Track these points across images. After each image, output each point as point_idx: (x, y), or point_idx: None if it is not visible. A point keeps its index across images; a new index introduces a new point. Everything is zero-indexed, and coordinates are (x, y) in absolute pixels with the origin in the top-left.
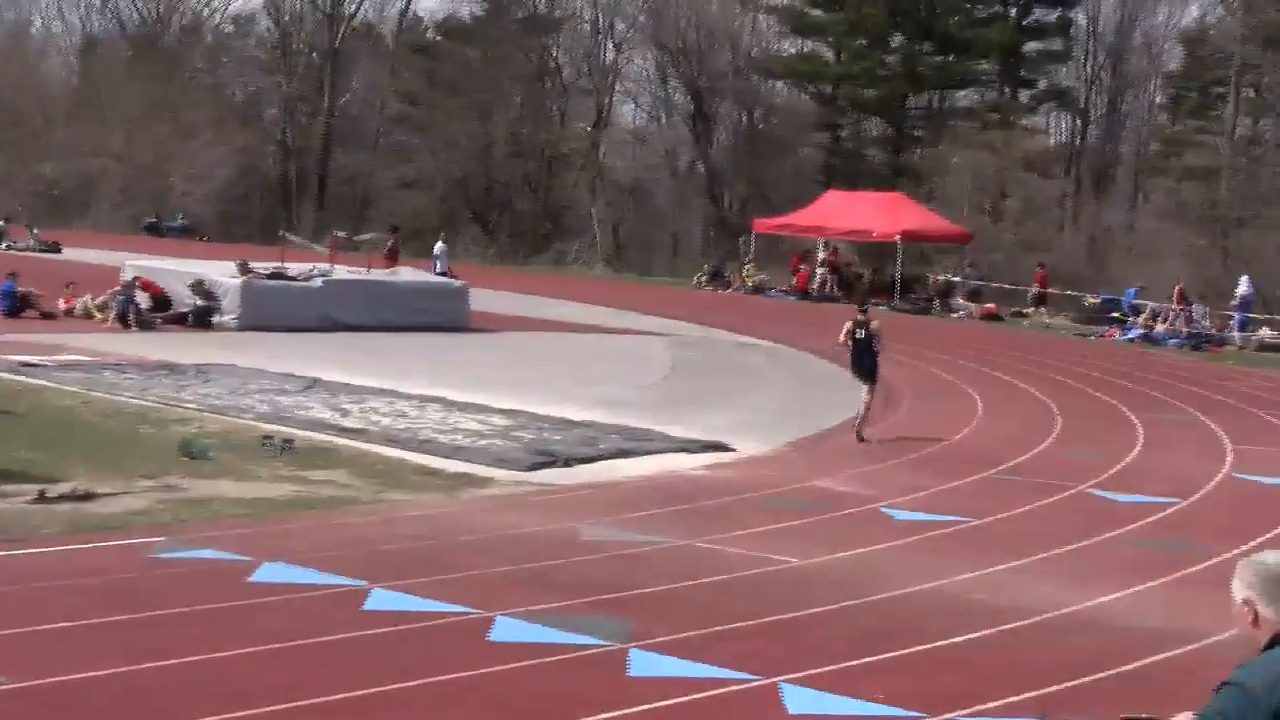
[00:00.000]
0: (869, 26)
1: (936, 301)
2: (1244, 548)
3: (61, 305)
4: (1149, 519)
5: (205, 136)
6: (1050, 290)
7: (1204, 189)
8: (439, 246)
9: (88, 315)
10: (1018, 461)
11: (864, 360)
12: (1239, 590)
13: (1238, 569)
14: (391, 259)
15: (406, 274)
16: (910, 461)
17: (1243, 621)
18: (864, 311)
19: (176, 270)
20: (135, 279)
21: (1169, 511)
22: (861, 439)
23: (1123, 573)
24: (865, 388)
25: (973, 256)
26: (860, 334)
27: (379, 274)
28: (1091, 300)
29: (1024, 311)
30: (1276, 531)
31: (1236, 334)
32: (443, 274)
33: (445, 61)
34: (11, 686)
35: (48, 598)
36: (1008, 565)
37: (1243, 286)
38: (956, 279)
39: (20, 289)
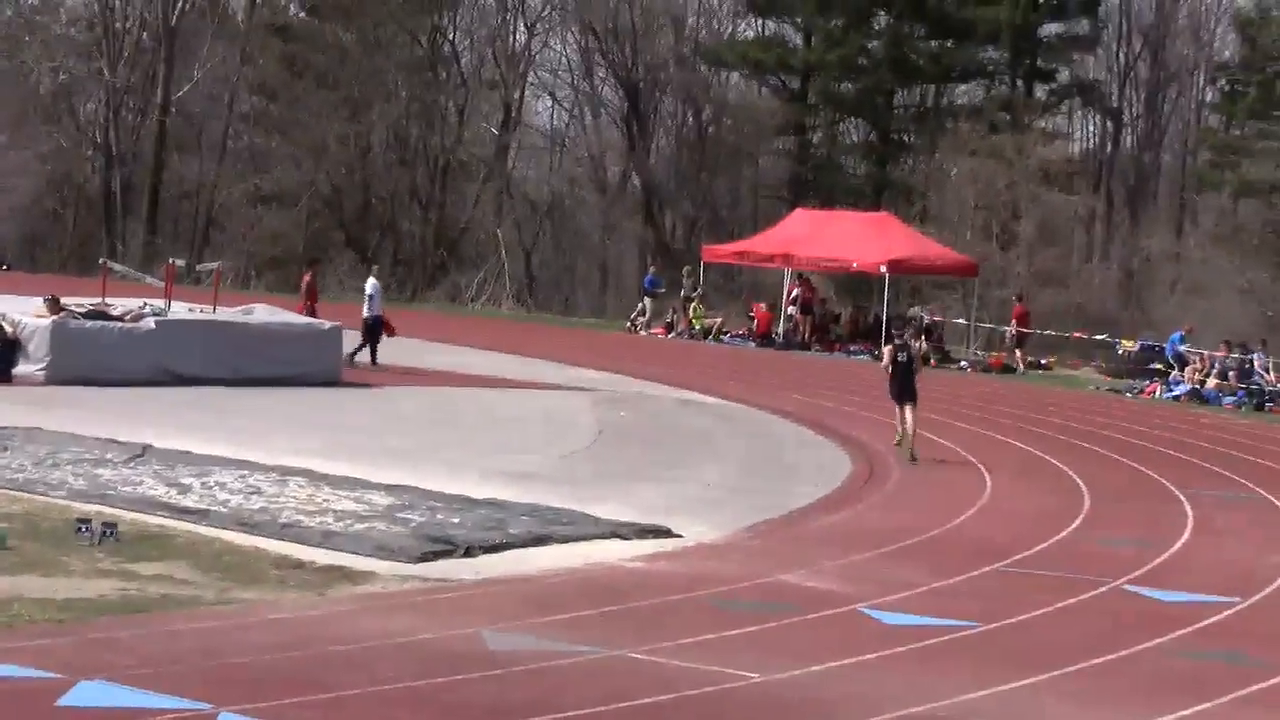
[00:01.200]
0: (846, 3)
1: (926, 348)
2: None
3: None
4: (1199, 623)
5: (3, 138)
6: (1027, 330)
7: (1265, 208)
8: (371, 283)
9: None
10: (1034, 551)
11: (907, 384)
12: None
13: None
14: (311, 299)
15: (263, 313)
16: (899, 551)
17: None
18: (901, 335)
19: None
20: None
21: (1224, 614)
22: (915, 459)
23: (1165, 692)
24: (909, 409)
25: (980, 292)
26: (902, 357)
27: (232, 314)
28: (1127, 347)
29: (1043, 363)
30: None
31: None
32: (374, 320)
33: (311, 45)
34: None
35: None
36: (1020, 682)
37: None
38: (960, 321)
39: None
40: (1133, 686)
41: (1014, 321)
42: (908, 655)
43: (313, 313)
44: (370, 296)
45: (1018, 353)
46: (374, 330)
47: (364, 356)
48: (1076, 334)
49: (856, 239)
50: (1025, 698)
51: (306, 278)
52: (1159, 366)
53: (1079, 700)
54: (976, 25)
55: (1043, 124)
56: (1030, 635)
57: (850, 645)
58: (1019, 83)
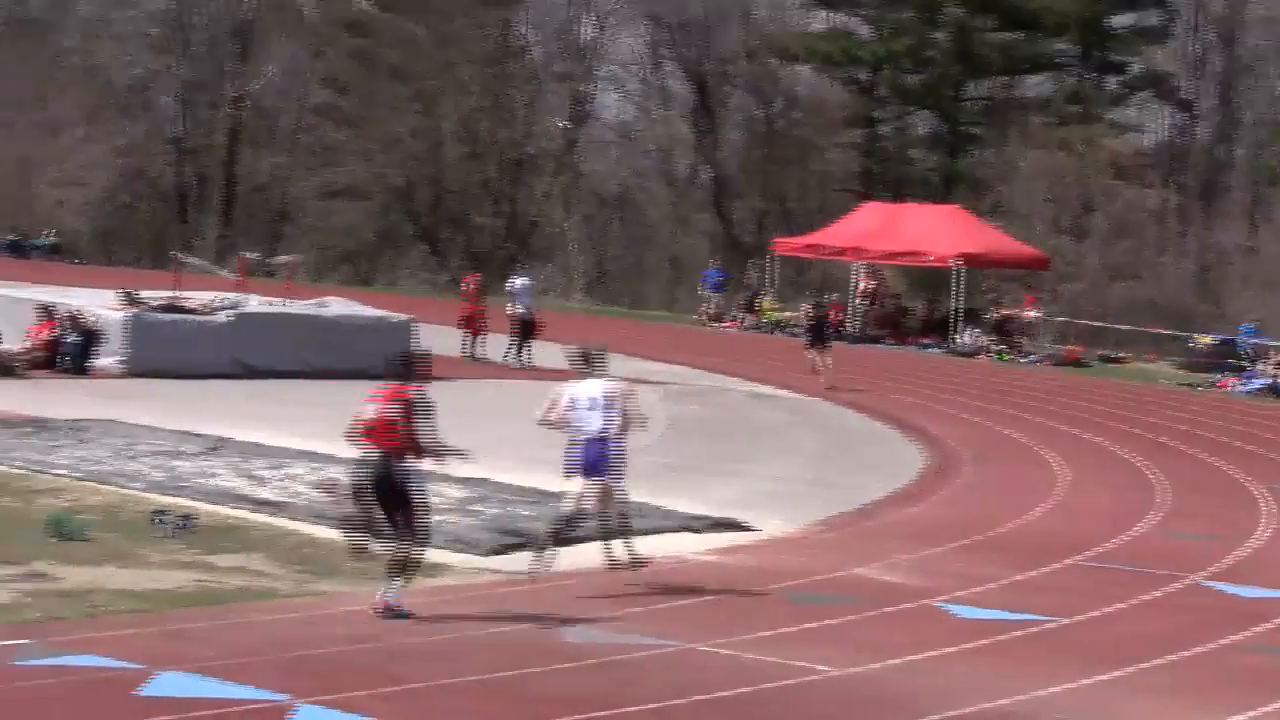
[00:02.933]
0: None
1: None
2: None
3: None
4: (1277, 619)
5: (79, 132)
6: (1034, 317)
7: None
8: (520, 282)
9: None
10: (1109, 545)
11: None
12: None
13: None
14: (474, 302)
15: (336, 306)
16: (973, 545)
17: None
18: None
19: (43, 300)
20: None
21: None
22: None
23: (1244, 688)
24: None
25: (1051, 285)
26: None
27: (306, 306)
28: (1201, 342)
29: (1117, 356)
30: None
31: None
32: (525, 317)
33: (382, 39)
34: None
35: None
36: (1098, 677)
37: None
38: (1034, 314)
39: None
40: (1210, 682)
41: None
42: (983, 650)
43: (480, 315)
44: (515, 295)
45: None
46: (524, 328)
47: (515, 355)
48: (1149, 328)
49: (928, 232)
50: (1102, 693)
51: (472, 281)
52: (1234, 360)
53: (1156, 695)
54: (1045, 17)
55: (1113, 116)
56: (1107, 630)
57: (925, 639)
58: (1089, 75)
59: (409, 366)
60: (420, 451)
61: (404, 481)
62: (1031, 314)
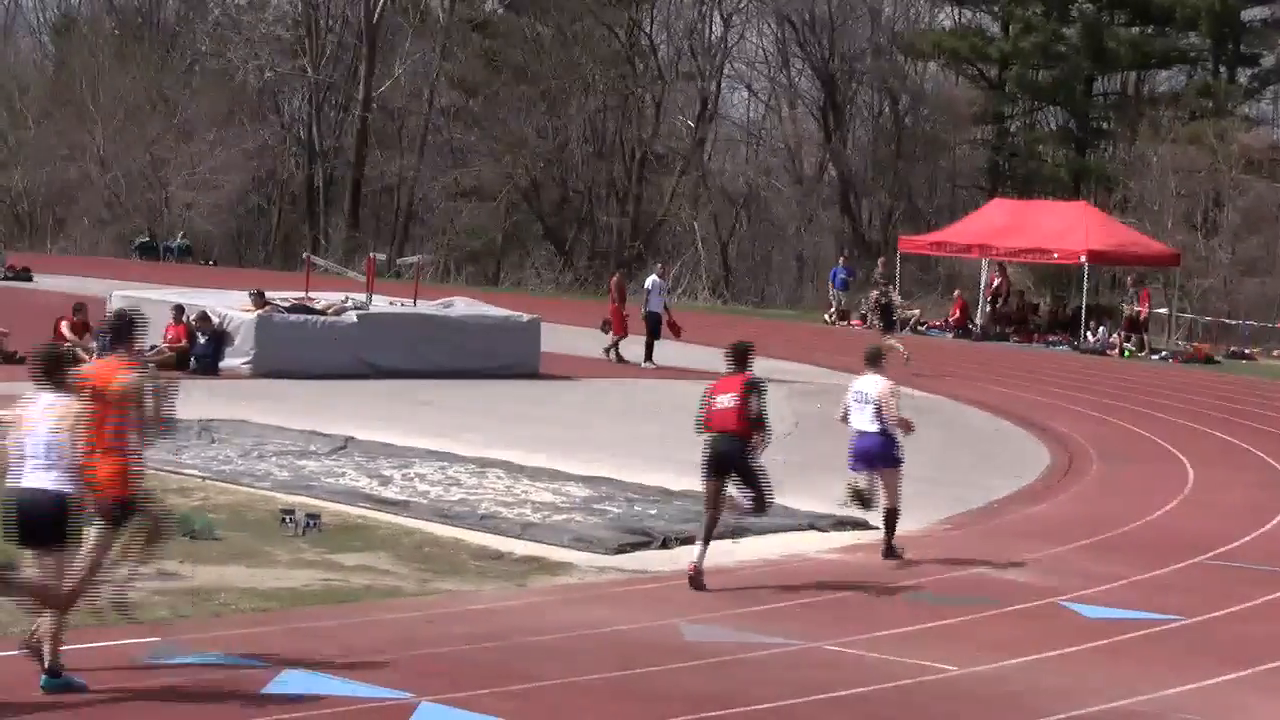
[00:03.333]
0: None
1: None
2: None
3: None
4: None
5: (211, 136)
6: (1155, 311)
7: None
8: (652, 280)
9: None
10: (1239, 544)
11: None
12: None
13: None
14: (619, 301)
15: (461, 306)
16: (1099, 543)
17: None
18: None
19: (176, 301)
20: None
21: None
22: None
23: None
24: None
25: (1182, 282)
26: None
27: (433, 306)
28: None
29: (1247, 353)
30: None
31: None
32: (655, 315)
33: (509, 40)
34: None
35: (17, 713)
36: (1224, 677)
37: None
38: (1162, 311)
39: None
40: None
41: (1139, 304)
42: (1108, 649)
43: (622, 314)
44: (649, 292)
45: (1143, 336)
46: (653, 327)
47: (639, 353)
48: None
49: (1055, 229)
50: (1230, 693)
51: (615, 279)
52: None
53: None
54: (1176, 10)
55: (1246, 110)
56: (1235, 630)
57: (1050, 639)
58: (1221, 68)
59: (744, 356)
60: (760, 429)
61: (747, 458)
62: (1146, 309)
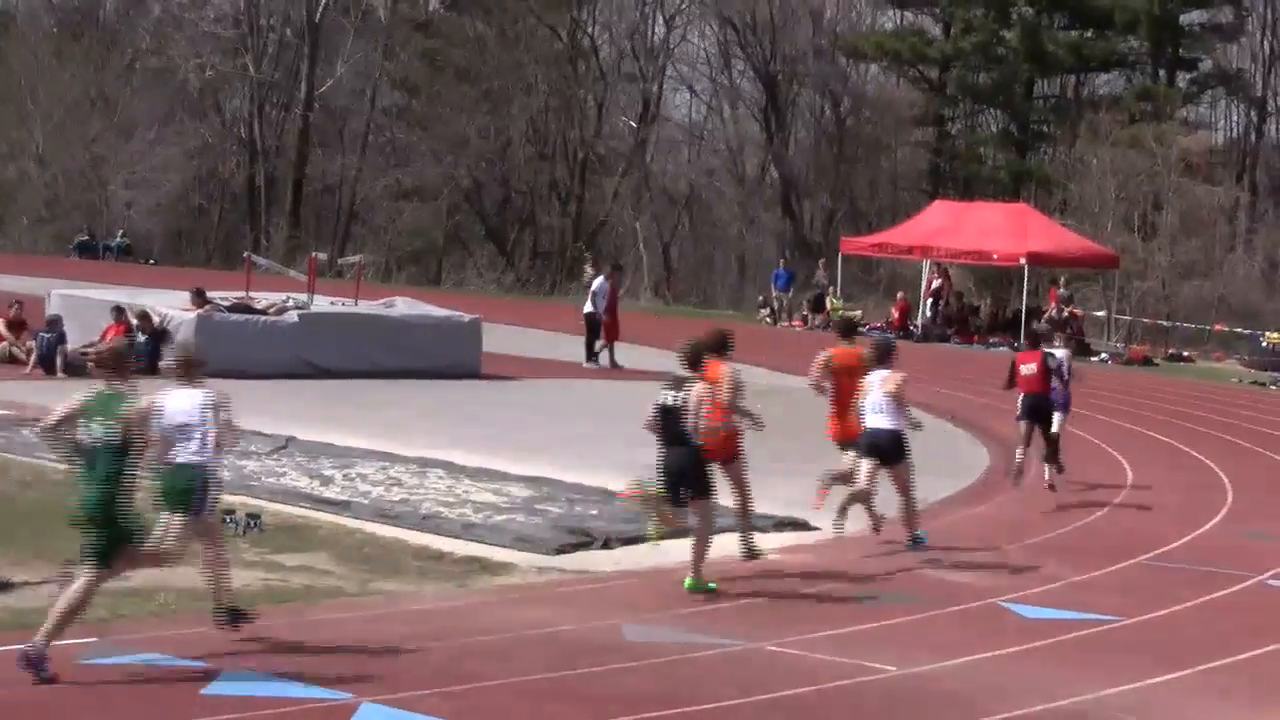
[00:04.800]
0: None
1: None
2: None
3: None
4: None
5: (151, 134)
6: (1093, 313)
7: None
8: (598, 282)
9: (11, 359)
10: (1176, 545)
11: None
12: None
13: None
14: (612, 300)
15: (403, 306)
16: (1039, 545)
17: None
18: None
19: (114, 300)
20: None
21: None
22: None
23: None
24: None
25: (1121, 284)
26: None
27: (373, 306)
28: (1272, 340)
29: (1185, 355)
30: None
31: None
32: (594, 315)
33: (451, 40)
34: None
35: None
36: (1161, 678)
37: None
38: (1100, 313)
39: None
40: (1276, 683)
41: (1050, 304)
42: (1047, 649)
43: (614, 314)
44: (594, 293)
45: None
46: (593, 328)
47: (604, 355)
48: (1219, 326)
49: (996, 231)
50: (1166, 693)
51: (609, 276)
52: None
53: (1221, 696)
54: (1116, 14)
55: (1184, 114)
56: (1172, 630)
57: (989, 639)
58: (1160, 72)
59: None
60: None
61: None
62: (1054, 310)
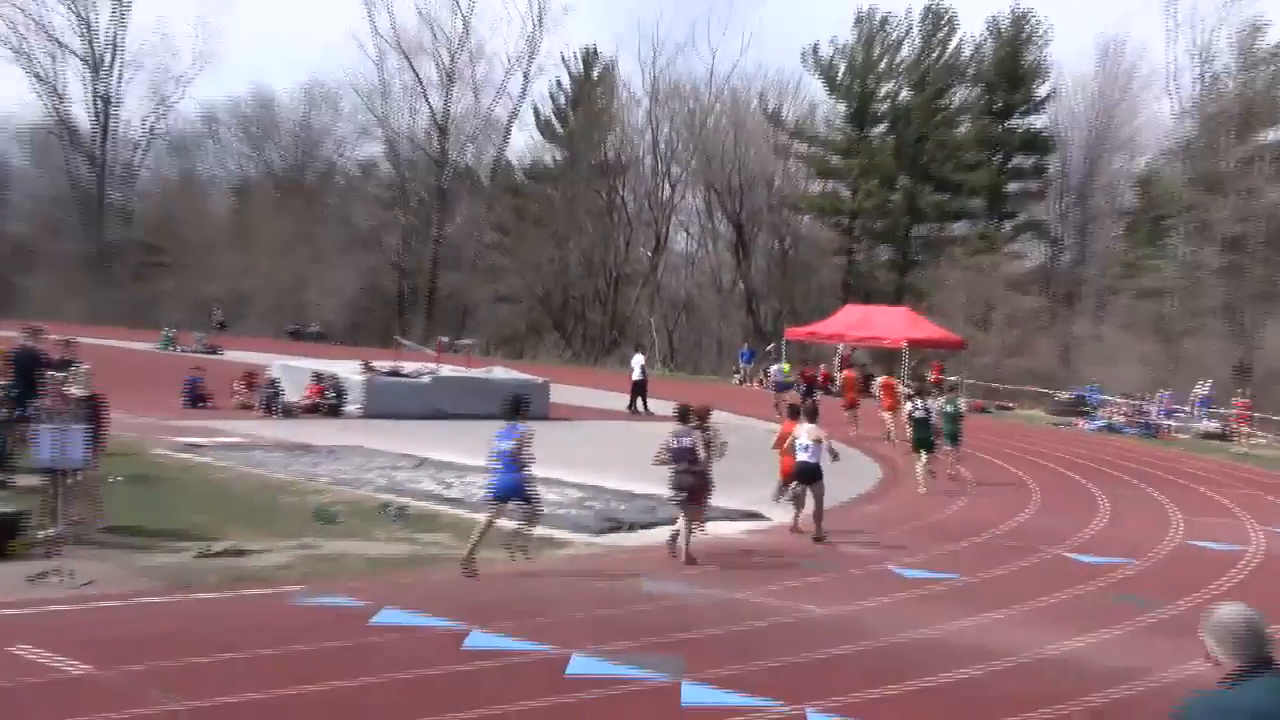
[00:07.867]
0: (880, 170)
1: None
2: (1188, 602)
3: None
4: (1110, 577)
5: (336, 260)
6: (948, 377)
7: (1155, 305)
8: (637, 359)
9: (244, 406)
10: (1001, 529)
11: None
12: (1203, 636)
13: (1203, 620)
14: (850, 392)
15: (499, 372)
16: (915, 529)
17: (1209, 660)
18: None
19: (313, 368)
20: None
21: (1127, 571)
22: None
23: (1088, 621)
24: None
25: (968, 359)
26: (917, 409)
27: (479, 372)
28: (1063, 396)
29: (1008, 406)
30: (1215, 589)
31: (1195, 423)
32: (638, 382)
33: (530, 198)
34: (182, 706)
35: (210, 636)
36: (994, 615)
37: (1203, 389)
38: (954, 378)
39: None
40: (1064, 618)
41: (933, 374)
42: (920, 598)
43: (854, 404)
44: (634, 366)
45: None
46: (637, 389)
47: (635, 406)
48: (1030, 387)
49: (886, 325)
50: (992, 625)
51: (849, 374)
52: (1085, 408)
53: (1027, 627)
54: (965, 184)
55: (1008, 249)
56: (1001, 584)
57: (881, 590)
58: (993, 221)
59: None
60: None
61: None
62: (938, 376)
